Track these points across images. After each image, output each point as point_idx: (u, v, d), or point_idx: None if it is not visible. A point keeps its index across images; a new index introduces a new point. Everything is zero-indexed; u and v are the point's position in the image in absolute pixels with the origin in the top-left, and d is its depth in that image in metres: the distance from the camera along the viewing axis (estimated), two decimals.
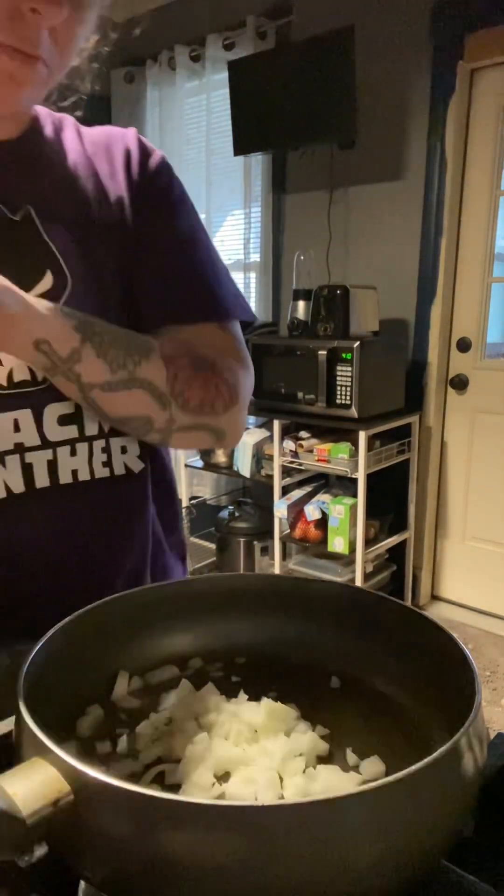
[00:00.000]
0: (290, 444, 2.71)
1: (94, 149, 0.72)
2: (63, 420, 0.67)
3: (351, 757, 0.48)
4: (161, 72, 3.38)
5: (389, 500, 2.83)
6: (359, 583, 2.57)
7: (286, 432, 2.77)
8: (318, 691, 0.56)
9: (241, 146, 3.02)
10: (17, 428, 0.65)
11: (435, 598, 3.08)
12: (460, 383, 2.84)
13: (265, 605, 0.61)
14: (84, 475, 0.70)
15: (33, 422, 0.66)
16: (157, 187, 0.74)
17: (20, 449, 0.66)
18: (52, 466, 0.67)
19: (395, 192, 2.80)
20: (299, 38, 2.84)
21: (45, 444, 0.67)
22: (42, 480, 0.67)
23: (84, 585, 0.68)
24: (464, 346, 2.82)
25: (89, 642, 0.54)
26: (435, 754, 0.36)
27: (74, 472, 0.69)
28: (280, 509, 2.79)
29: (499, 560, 2.84)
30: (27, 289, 0.63)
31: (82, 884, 0.40)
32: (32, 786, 0.35)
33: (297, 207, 3.12)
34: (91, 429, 0.70)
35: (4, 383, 0.64)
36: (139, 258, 0.72)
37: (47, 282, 0.65)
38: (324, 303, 2.59)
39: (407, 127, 2.72)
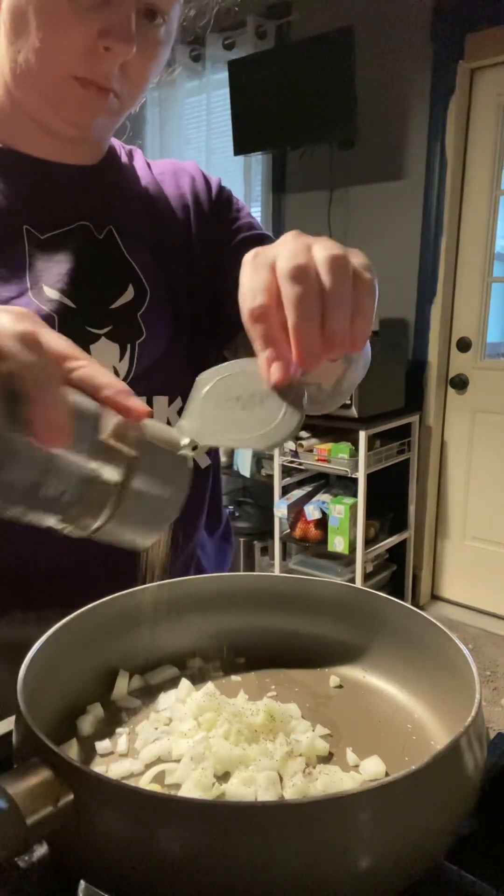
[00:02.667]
0: (290, 444, 2.71)
1: (162, 177, 0.80)
2: None
3: (351, 757, 0.48)
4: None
5: (389, 500, 2.83)
6: (359, 583, 2.57)
7: None
8: (319, 691, 0.56)
9: (241, 146, 3.02)
10: None
11: (435, 597, 3.08)
12: (460, 383, 2.84)
13: (265, 605, 0.62)
14: None
15: None
16: (220, 202, 0.83)
17: None
18: None
19: (395, 192, 2.80)
20: (299, 38, 2.84)
21: None
22: None
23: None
24: (464, 345, 2.82)
25: (89, 642, 0.54)
26: (435, 754, 0.36)
27: None
28: (280, 509, 2.79)
29: (499, 560, 2.84)
30: (112, 301, 0.71)
31: (82, 884, 0.40)
32: (33, 786, 0.35)
33: (297, 207, 3.12)
34: None
35: None
36: (208, 262, 0.78)
37: (129, 294, 0.72)
38: None
39: (407, 127, 2.72)
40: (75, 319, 0.68)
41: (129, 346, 0.71)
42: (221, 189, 0.84)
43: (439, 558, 3.04)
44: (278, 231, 3.15)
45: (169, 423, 0.76)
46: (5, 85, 0.66)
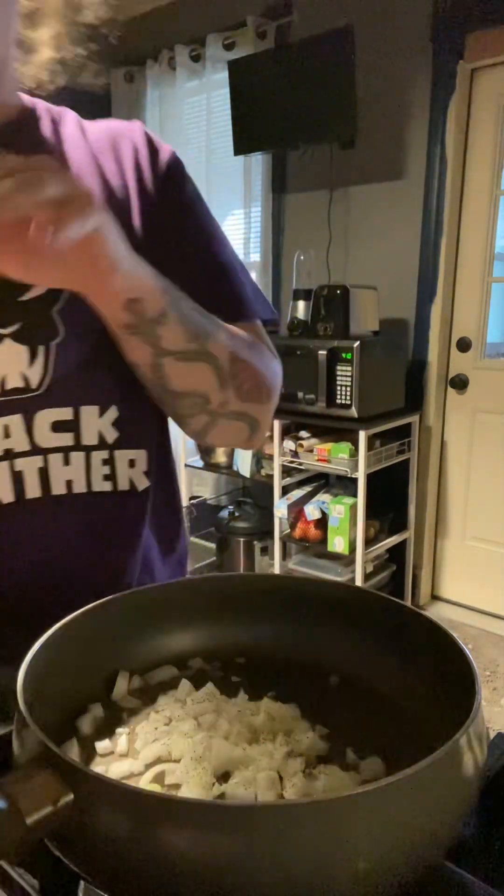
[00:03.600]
0: (290, 444, 2.71)
1: (98, 145, 0.68)
2: (57, 427, 0.64)
3: (351, 757, 0.48)
4: (161, 72, 3.37)
5: (389, 500, 2.82)
6: (359, 583, 2.57)
7: (286, 432, 2.77)
8: (318, 691, 0.56)
9: (241, 146, 3.02)
10: (6, 434, 0.62)
11: (435, 597, 3.08)
12: (460, 383, 2.83)
13: (265, 605, 0.61)
14: (80, 487, 0.66)
15: (24, 427, 0.63)
16: (169, 187, 0.70)
17: (9, 455, 0.63)
18: (44, 475, 0.64)
19: (395, 192, 2.80)
20: (299, 38, 2.84)
21: (36, 449, 0.63)
22: (33, 490, 0.64)
23: (65, 604, 0.59)
24: (464, 345, 2.82)
25: (89, 642, 0.54)
26: (435, 754, 0.36)
27: (69, 483, 0.65)
28: (280, 509, 2.79)
29: (499, 560, 2.84)
30: (21, 292, 0.61)
31: (82, 884, 0.40)
32: (32, 786, 0.35)
33: (297, 207, 3.12)
34: (90, 438, 0.66)
35: None
36: (155, 262, 0.66)
37: (42, 286, 0.62)
38: (324, 303, 2.59)
39: (407, 127, 2.72)
40: None
41: (41, 348, 0.62)
42: (172, 164, 0.70)
43: (439, 558, 3.04)
44: (278, 231, 3.17)
45: (102, 437, 0.66)
46: None
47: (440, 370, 2.83)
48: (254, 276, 3.27)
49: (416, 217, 2.75)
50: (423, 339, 2.80)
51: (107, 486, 0.68)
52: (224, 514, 3.18)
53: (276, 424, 2.75)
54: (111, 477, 0.68)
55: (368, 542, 2.66)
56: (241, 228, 3.28)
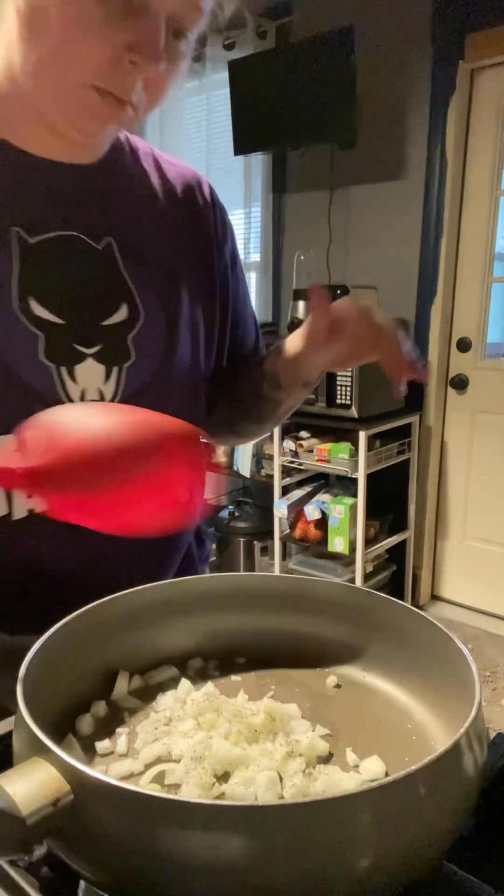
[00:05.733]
0: (290, 444, 2.71)
1: (173, 185, 0.77)
2: None
3: (351, 757, 0.48)
4: None
5: (389, 501, 2.82)
6: (359, 583, 2.57)
7: (286, 432, 2.77)
8: (318, 691, 0.56)
9: (241, 146, 3.02)
10: None
11: (435, 598, 3.08)
12: (460, 383, 2.83)
13: (265, 605, 0.62)
14: None
15: None
16: (229, 242, 0.83)
17: None
18: None
19: (395, 192, 2.80)
20: (299, 38, 2.84)
21: None
22: None
23: (111, 590, 0.62)
24: (464, 346, 2.82)
25: (89, 642, 0.54)
26: (435, 754, 0.36)
27: None
28: (280, 509, 2.79)
29: (499, 560, 2.84)
30: (105, 318, 0.69)
31: (82, 884, 0.40)
32: (32, 786, 0.35)
33: (297, 207, 3.12)
34: None
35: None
36: (225, 302, 0.82)
37: (122, 313, 0.69)
38: None
39: (407, 127, 2.72)
40: (63, 337, 0.65)
41: (115, 368, 0.68)
42: (228, 221, 0.83)
43: (439, 558, 3.04)
44: (278, 231, 3.17)
45: None
46: (8, 70, 0.60)
47: (440, 370, 2.83)
48: (253, 276, 3.28)
49: (416, 217, 2.75)
50: (424, 339, 2.80)
51: None
52: (224, 514, 3.18)
53: None
54: None
55: (368, 543, 2.66)
56: (241, 228, 3.28)
